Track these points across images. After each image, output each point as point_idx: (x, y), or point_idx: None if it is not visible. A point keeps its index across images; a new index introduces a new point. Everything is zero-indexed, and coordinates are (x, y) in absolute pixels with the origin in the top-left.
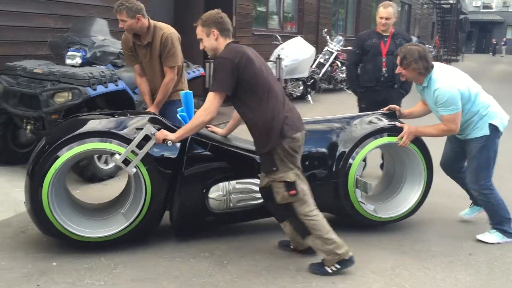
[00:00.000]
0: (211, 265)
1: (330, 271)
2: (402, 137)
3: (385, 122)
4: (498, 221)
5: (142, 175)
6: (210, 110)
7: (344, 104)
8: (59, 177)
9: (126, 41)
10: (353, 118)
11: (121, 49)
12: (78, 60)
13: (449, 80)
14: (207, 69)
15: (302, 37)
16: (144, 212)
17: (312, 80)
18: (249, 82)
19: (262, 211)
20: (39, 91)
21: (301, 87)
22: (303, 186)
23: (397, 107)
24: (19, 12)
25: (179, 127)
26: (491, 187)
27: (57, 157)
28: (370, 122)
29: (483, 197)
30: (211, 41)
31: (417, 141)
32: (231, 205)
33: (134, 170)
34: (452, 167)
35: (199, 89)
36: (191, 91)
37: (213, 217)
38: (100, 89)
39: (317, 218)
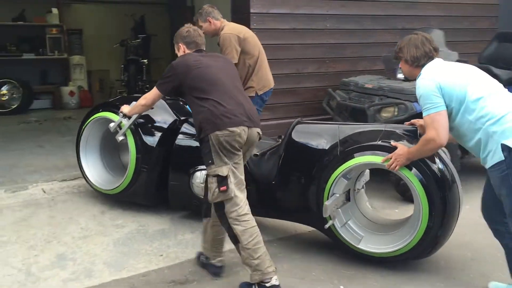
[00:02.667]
0: None
1: None
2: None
3: (383, 139)
4: None
5: (129, 145)
6: (147, 98)
7: None
8: (92, 135)
9: None
10: (356, 128)
11: (457, 61)
12: None
13: (433, 72)
14: None
15: None
16: (129, 176)
17: None
18: (191, 83)
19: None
20: (366, 105)
21: None
22: (238, 192)
23: (419, 121)
24: (359, 29)
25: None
26: None
27: (87, 119)
28: (369, 135)
29: None
30: (180, 54)
31: (422, 170)
32: None
33: (121, 137)
34: (489, 214)
35: None
36: None
37: (197, 202)
38: None
39: (247, 225)
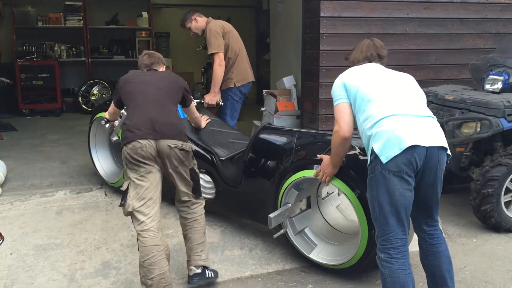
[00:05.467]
0: None
1: None
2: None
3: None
4: None
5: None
6: (108, 112)
7: None
8: (100, 132)
9: None
10: (311, 136)
11: None
12: (499, 85)
13: (346, 72)
14: None
15: None
16: (123, 173)
17: None
18: (122, 97)
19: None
20: (445, 120)
21: None
22: (139, 207)
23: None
24: (444, 34)
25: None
26: (387, 252)
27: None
28: (318, 147)
29: (378, 262)
30: None
31: (357, 182)
32: None
33: (115, 138)
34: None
35: None
36: None
37: None
38: None
39: (145, 243)
